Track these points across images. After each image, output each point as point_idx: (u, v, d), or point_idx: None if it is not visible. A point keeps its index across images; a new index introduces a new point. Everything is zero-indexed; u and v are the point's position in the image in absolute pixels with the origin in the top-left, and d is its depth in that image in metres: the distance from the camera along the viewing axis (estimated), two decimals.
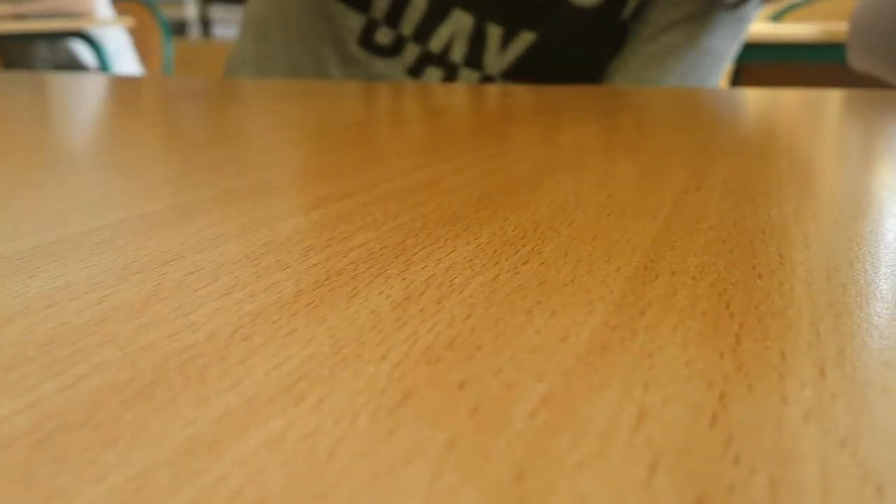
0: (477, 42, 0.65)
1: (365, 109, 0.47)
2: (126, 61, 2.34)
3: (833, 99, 0.54)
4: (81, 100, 0.53)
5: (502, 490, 0.10)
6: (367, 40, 0.67)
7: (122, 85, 0.60)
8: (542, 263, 0.18)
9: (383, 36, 0.66)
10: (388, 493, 0.10)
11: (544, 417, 0.12)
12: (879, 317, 0.15)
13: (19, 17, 1.98)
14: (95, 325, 0.15)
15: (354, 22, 0.66)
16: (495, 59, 0.65)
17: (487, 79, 0.66)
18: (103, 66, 2.21)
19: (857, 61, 0.70)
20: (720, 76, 0.68)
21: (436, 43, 0.65)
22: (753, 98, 0.56)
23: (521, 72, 0.65)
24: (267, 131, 0.38)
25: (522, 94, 0.55)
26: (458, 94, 0.54)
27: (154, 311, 0.15)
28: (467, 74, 0.66)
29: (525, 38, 0.64)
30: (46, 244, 0.19)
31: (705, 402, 0.12)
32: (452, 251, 0.19)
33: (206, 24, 4.08)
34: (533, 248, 0.20)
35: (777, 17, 2.09)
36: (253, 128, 0.39)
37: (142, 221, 0.22)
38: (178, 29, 3.96)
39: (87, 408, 0.12)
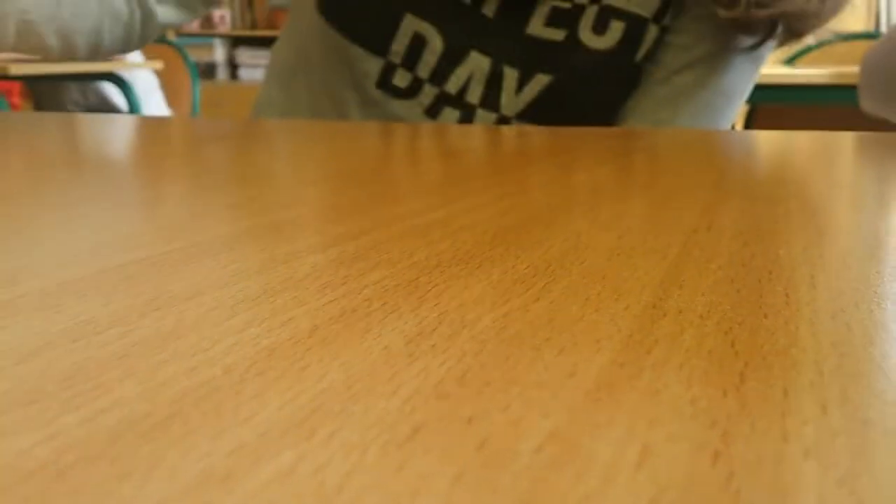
0: (493, 84, 0.66)
1: (383, 150, 0.48)
2: (154, 103, 2.39)
3: (845, 141, 0.54)
4: (111, 141, 0.54)
5: None
6: (384, 83, 0.68)
7: (152, 126, 0.62)
8: (552, 301, 0.19)
9: (401, 79, 0.68)
10: None
11: (550, 453, 0.12)
12: (883, 357, 0.15)
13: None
14: (117, 360, 0.15)
15: (373, 66, 0.68)
16: (511, 101, 0.66)
17: (503, 120, 0.67)
18: (133, 107, 2.25)
19: (867, 104, 0.70)
20: (733, 117, 0.69)
21: (452, 84, 0.67)
22: (766, 140, 0.56)
23: (536, 113, 0.66)
24: (289, 171, 0.39)
25: (537, 135, 0.56)
26: (473, 135, 0.55)
27: (174, 347, 0.16)
28: (483, 115, 0.67)
29: (540, 81, 0.65)
30: (72, 280, 0.20)
31: (708, 440, 0.12)
32: (465, 289, 0.20)
33: (233, 66, 4.16)
34: (544, 287, 0.20)
35: (790, 61, 2.11)
36: (276, 168, 0.40)
37: (165, 258, 0.22)
38: (207, 71, 4.04)
39: (106, 441, 0.12)
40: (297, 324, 0.17)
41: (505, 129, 0.59)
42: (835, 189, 0.35)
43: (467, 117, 0.67)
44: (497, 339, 0.16)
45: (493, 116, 0.67)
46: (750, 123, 1.88)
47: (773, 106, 1.85)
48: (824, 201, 0.31)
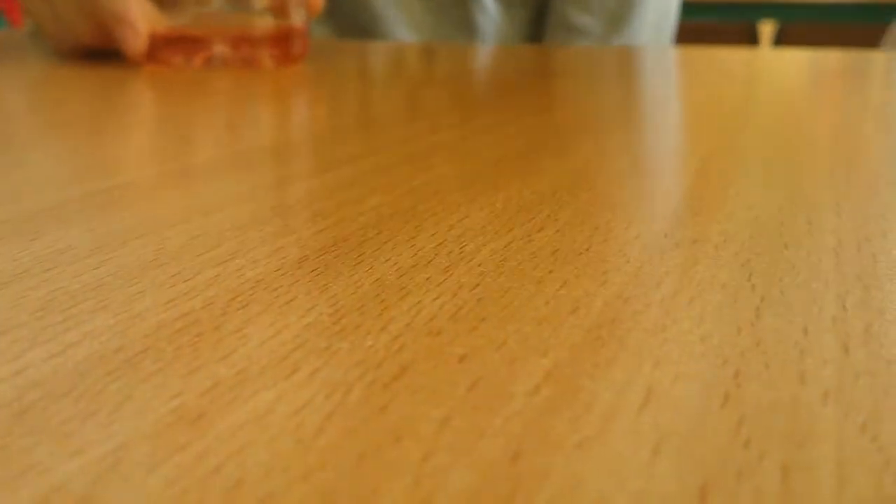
0: None
1: (385, 70, 0.46)
2: None
3: (876, 61, 0.52)
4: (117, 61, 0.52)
5: (495, 471, 0.09)
6: None
7: None
8: (558, 231, 0.18)
9: None
10: (375, 474, 0.09)
11: (546, 394, 0.11)
12: None
13: None
14: (91, 291, 0.14)
15: None
16: None
17: None
18: None
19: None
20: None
21: None
22: (792, 59, 0.54)
23: None
24: (287, 91, 0.38)
25: (541, 55, 0.54)
26: (475, 56, 0.53)
27: (152, 277, 0.15)
28: None
29: None
30: (51, 206, 0.19)
31: (718, 381, 0.11)
32: (465, 217, 0.19)
33: None
34: (549, 215, 0.19)
35: None
36: (274, 88, 0.39)
37: (152, 183, 0.21)
38: None
39: (73, 377, 0.11)
40: (284, 254, 0.16)
41: (507, 49, 0.57)
42: (864, 110, 0.33)
43: None
44: (496, 271, 0.15)
45: None
46: (779, 41, 1.85)
47: (801, 24, 1.81)
48: (852, 123, 0.30)
